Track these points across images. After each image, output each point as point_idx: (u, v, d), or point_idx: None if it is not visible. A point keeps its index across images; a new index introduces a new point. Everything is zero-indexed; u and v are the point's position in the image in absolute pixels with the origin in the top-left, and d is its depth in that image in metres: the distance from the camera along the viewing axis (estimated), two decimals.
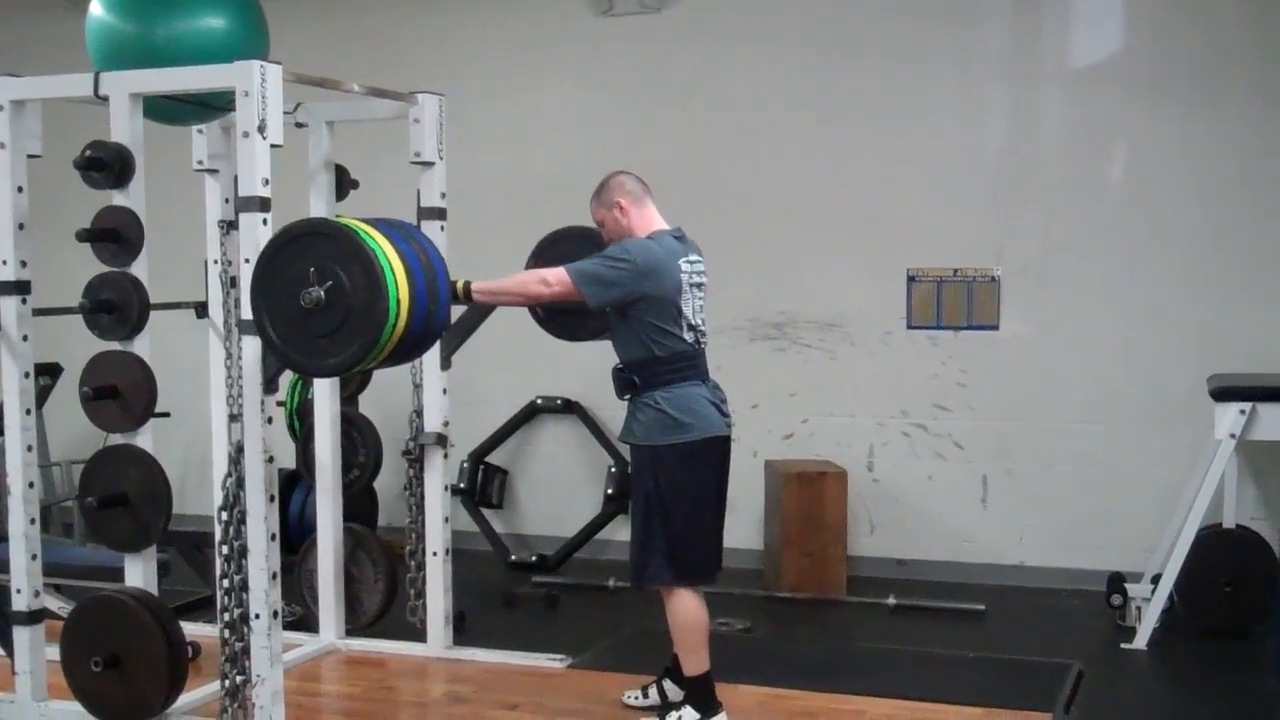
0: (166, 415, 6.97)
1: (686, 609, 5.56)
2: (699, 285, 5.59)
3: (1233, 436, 7.04)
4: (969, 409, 8.60)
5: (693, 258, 5.60)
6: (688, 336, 5.52)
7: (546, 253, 6.08)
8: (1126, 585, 7.51)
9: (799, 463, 8.60)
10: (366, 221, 4.93)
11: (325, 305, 4.75)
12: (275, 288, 4.87)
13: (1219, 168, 8.05)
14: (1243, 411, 6.99)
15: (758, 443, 8.87)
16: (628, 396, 5.62)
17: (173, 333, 7.11)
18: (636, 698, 5.87)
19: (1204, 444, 7.38)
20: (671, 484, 5.51)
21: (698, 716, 5.53)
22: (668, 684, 5.84)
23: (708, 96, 9.03)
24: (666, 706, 5.70)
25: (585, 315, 5.92)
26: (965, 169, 8.58)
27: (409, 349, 5.13)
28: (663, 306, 5.45)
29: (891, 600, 7.98)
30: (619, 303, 5.42)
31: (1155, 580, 7.32)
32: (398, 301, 4.79)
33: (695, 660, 5.57)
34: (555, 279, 5.39)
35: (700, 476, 5.56)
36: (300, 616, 7.12)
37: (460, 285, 5.38)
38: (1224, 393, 7.11)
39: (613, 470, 9.04)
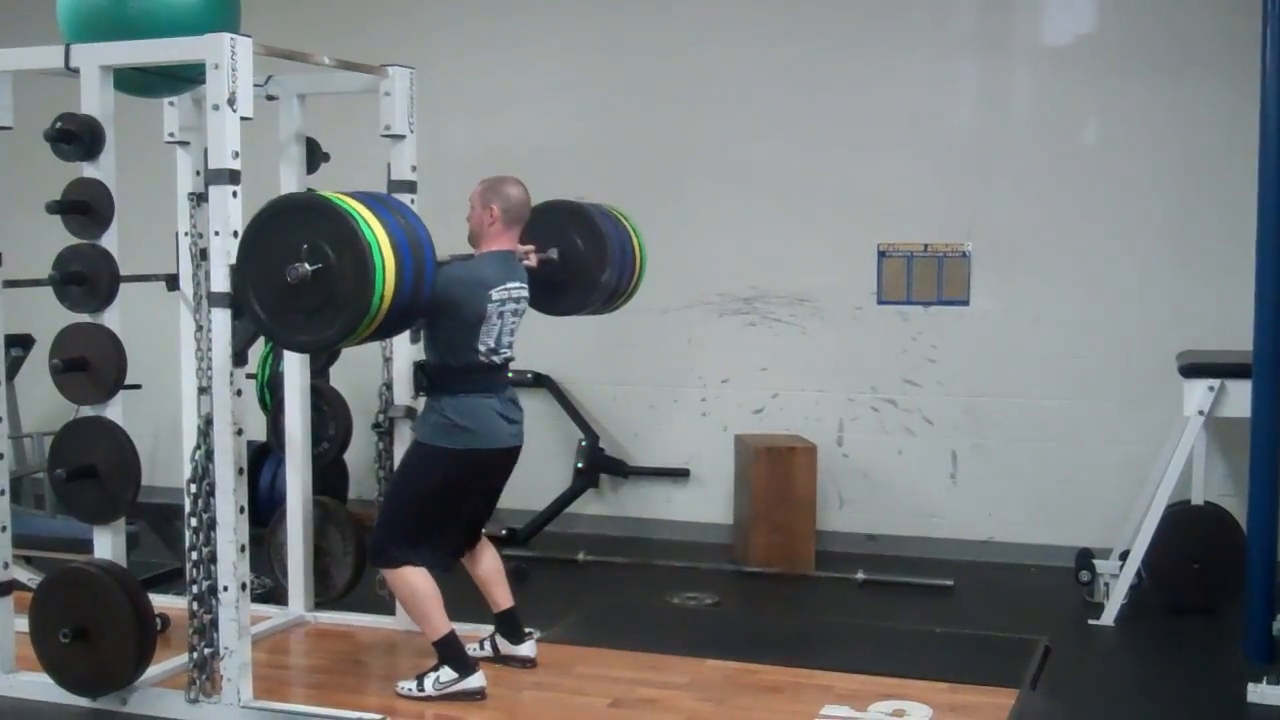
0: (138, 387, 6.96)
1: (410, 584, 5.72)
2: (511, 311, 5.73)
3: (1201, 413, 7.07)
4: (938, 384, 8.62)
5: (510, 284, 5.72)
6: (482, 355, 5.64)
7: (534, 223, 6.06)
8: (1095, 561, 7.55)
9: (769, 437, 8.61)
10: (361, 201, 4.95)
11: (311, 283, 4.77)
12: (264, 255, 4.89)
13: (1189, 144, 8.07)
14: (1211, 388, 7.02)
15: (728, 417, 8.90)
16: (418, 395, 5.84)
17: (144, 304, 7.07)
18: (474, 649, 6.06)
19: (1174, 420, 7.40)
20: (435, 485, 5.68)
21: (455, 675, 5.68)
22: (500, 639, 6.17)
23: (679, 69, 9.02)
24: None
25: (560, 290, 6.07)
26: (936, 144, 8.59)
27: (386, 332, 5.23)
28: (461, 327, 5.58)
29: (860, 575, 8.00)
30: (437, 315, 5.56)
31: (1124, 557, 7.35)
32: (382, 296, 4.82)
33: (432, 626, 5.73)
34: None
35: (468, 484, 5.78)
36: (270, 589, 7.13)
37: None
38: (1192, 369, 7.14)
39: (583, 444, 9.05)
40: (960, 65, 8.62)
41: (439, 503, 5.71)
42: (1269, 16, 6.24)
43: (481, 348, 5.62)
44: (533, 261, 6.10)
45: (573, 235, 6.28)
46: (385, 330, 5.15)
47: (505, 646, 6.14)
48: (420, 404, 5.96)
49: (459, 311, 5.52)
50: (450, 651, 5.71)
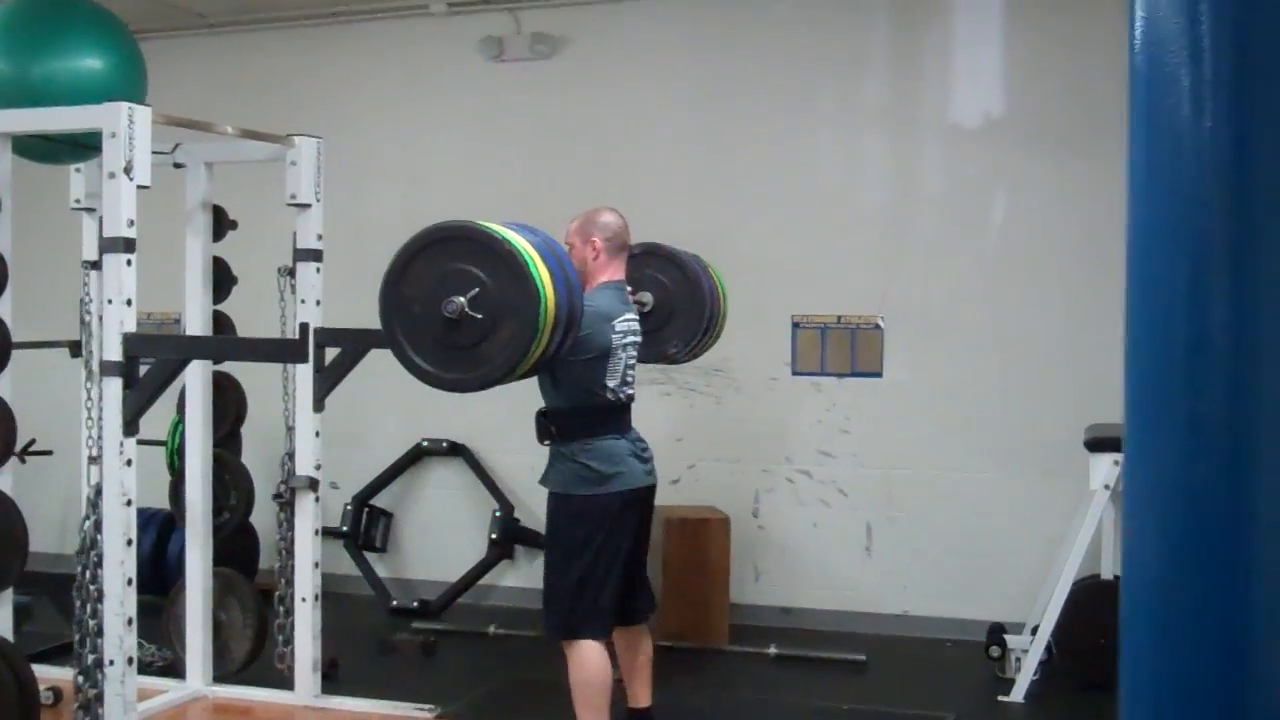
0: (49, 453, 6.90)
1: (585, 665, 5.53)
2: (631, 345, 5.65)
3: (1107, 487, 7.08)
4: (853, 456, 8.61)
5: (628, 317, 5.65)
6: (610, 393, 5.53)
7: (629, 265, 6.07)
8: (1006, 636, 7.53)
9: (682, 509, 8.56)
10: (509, 227, 4.90)
11: (469, 316, 4.67)
12: (412, 293, 4.78)
13: (1096, 217, 8.10)
14: (1116, 462, 7.02)
15: None
16: (546, 443, 5.62)
17: (57, 370, 7.03)
18: None
19: (1085, 493, 7.42)
20: (585, 535, 5.52)
21: None
22: None
23: (596, 141, 9.03)
24: None
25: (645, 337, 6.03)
26: (848, 217, 8.61)
27: (542, 366, 5.11)
28: (589, 363, 5.48)
29: (773, 650, 7.95)
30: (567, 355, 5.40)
31: (1035, 631, 7.34)
32: (545, 325, 4.75)
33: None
34: None
35: (615, 528, 5.57)
36: (169, 661, 7.02)
37: None
38: (1098, 443, 7.14)
39: (497, 515, 8.98)
40: (872, 140, 8.66)
41: (594, 554, 5.52)
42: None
43: (610, 383, 5.55)
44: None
45: (665, 282, 6.29)
46: (542, 364, 5.02)
47: None
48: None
49: (587, 346, 5.41)
50: None
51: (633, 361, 5.70)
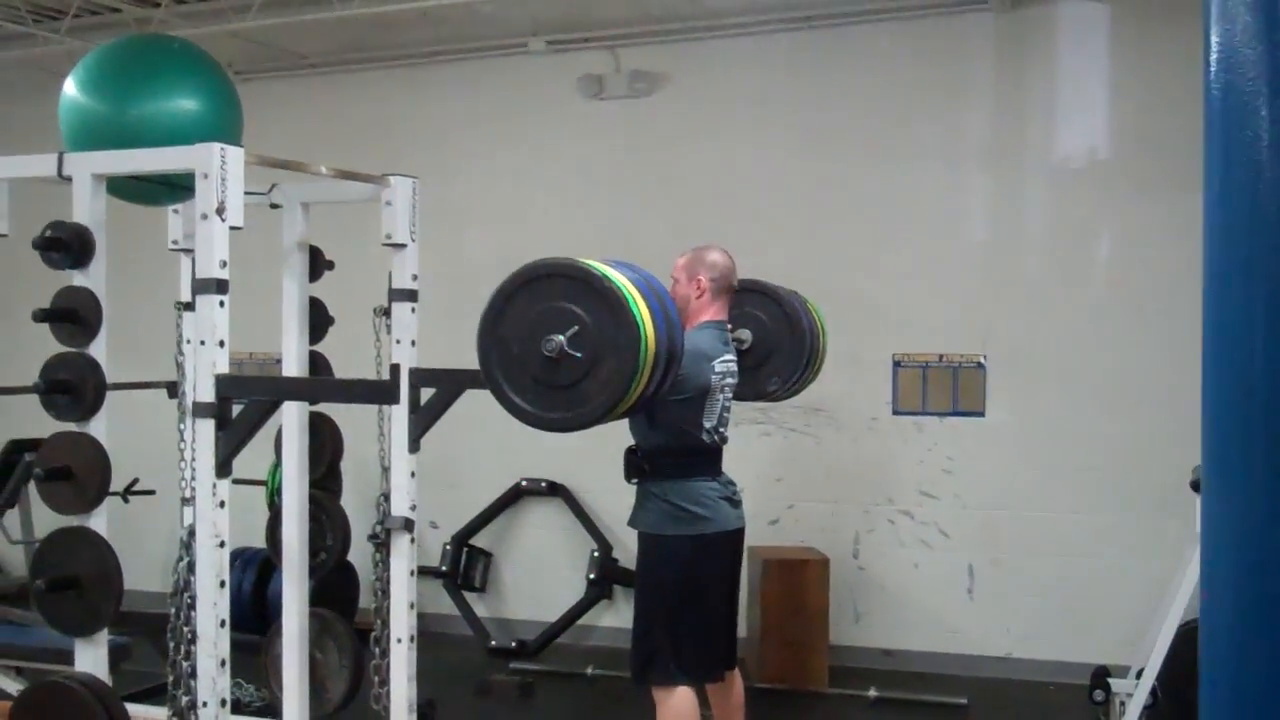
0: (151, 493, 6.93)
1: (675, 711, 5.47)
2: (729, 385, 5.60)
3: None
4: (955, 496, 8.51)
5: (727, 358, 5.61)
6: (705, 434, 5.47)
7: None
8: (1110, 680, 7.37)
9: (781, 549, 8.49)
10: (607, 263, 4.84)
11: (569, 355, 4.61)
12: (511, 331, 4.73)
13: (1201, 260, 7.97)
14: None
15: None
16: (634, 481, 5.57)
17: (160, 410, 7.07)
18: None
19: (1191, 535, 7.26)
20: (676, 577, 5.45)
21: None
22: None
23: (694, 178, 9.02)
24: None
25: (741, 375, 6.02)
26: (950, 256, 8.54)
27: (641, 407, 5.02)
28: (687, 402, 5.45)
29: (872, 692, 7.87)
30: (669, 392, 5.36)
31: (1140, 675, 7.19)
32: (646, 364, 4.66)
33: None
34: None
35: (707, 571, 5.51)
36: (267, 702, 7.03)
37: None
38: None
39: (595, 555, 8.95)
40: (975, 177, 8.59)
41: (684, 597, 5.48)
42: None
43: (707, 424, 5.53)
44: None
45: (764, 319, 6.29)
46: (641, 404, 4.91)
47: None
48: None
49: (686, 385, 5.38)
50: None
51: (729, 403, 5.65)
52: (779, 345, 6.33)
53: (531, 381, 4.71)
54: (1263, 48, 2.41)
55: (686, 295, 5.66)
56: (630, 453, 5.64)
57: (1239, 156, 2.46)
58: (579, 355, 4.60)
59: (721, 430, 5.62)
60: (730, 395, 5.68)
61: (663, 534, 5.50)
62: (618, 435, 8.24)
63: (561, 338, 4.59)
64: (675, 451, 5.52)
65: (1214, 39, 2.48)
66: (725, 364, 5.61)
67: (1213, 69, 2.48)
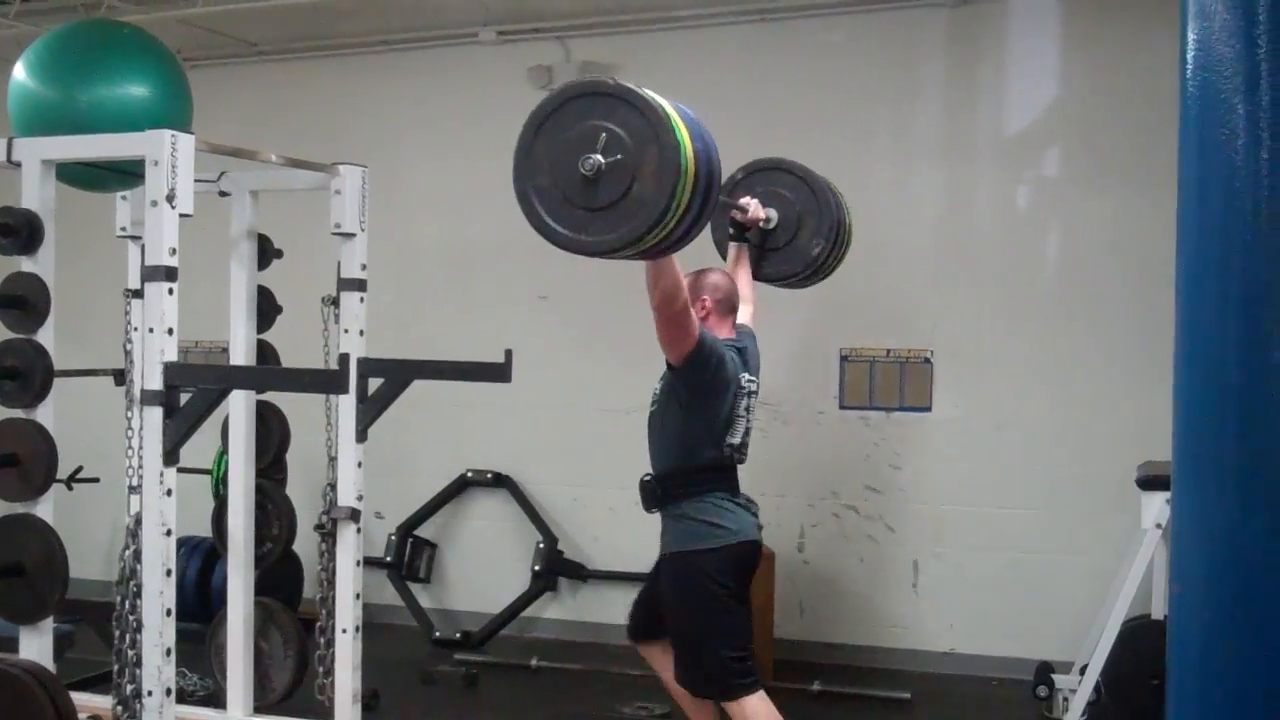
0: (96, 480, 6.87)
1: (768, 714, 5.47)
2: (754, 401, 5.68)
3: (1159, 526, 6.97)
4: (900, 491, 8.53)
5: (748, 378, 5.66)
6: (726, 451, 5.53)
7: (759, 180, 6.28)
8: (1054, 676, 7.42)
9: None
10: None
11: (606, 175, 4.43)
12: (548, 149, 4.57)
13: (1152, 253, 7.97)
14: (1169, 501, 6.90)
15: None
16: (654, 510, 5.61)
17: (106, 398, 7.01)
18: None
19: (1136, 531, 7.31)
20: (711, 591, 5.43)
21: None
22: None
23: None
24: None
25: (765, 256, 6.29)
26: (899, 249, 8.53)
27: (676, 243, 4.82)
28: (718, 405, 5.48)
29: (816, 686, 7.87)
30: (704, 379, 5.41)
31: (1083, 671, 7.23)
32: (684, 189, 4.47)
33: None
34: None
35: (737, 580, 5.53)
36: (211, 690, 6.99)
37: None
38: (1150, 481, 7.03)
39: (541, 546, 8.94)
40: (925, 171, 8.59)
41: (725, 606, 5.43)
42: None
43: (735, 441, 5.53)
44: (757, 212, 6.15)
45: (791, 201, 6.32)
46: (681, 234, 4.68)
47: None
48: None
49: (722, 373, 5.43)
50: None
51: (750, 425, 5.66)
52: (808, 210, 6.33)
53: (569, 205, 4.52)
54: (1240, 45, 2.40)
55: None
56: (644, 483, 5.61)
57: (1214, 155, 2.44)
58: (619, 159, 4.40)
59: (744, 450, 5.65)
60: (753, 413, 5.69)
61: (692, 549, 5.48)
62: (564, 427, 8.27)
63: (600, 156, 4.46)
64: (693, 470, 5.51)
65: (1191, 36, 2.47)
66: (749, 381, 5.65)
67: (1189, 67, 2.47)
